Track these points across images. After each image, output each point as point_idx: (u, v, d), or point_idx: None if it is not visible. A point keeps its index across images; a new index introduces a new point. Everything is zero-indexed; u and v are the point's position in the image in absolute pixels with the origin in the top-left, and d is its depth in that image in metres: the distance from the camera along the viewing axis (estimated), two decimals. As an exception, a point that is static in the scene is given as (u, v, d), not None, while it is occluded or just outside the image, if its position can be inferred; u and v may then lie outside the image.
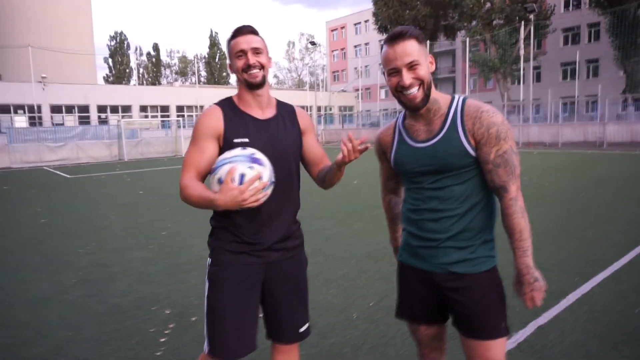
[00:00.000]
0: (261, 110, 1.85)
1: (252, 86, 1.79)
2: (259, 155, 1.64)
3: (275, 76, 79.06)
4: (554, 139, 21.74)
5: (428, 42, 33.14)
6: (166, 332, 3.22)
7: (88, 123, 32.67)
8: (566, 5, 38.85)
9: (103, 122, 33.50)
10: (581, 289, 3.72)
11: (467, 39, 30.90)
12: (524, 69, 28.17)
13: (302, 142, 1.93)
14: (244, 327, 1.80)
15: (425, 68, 1.57)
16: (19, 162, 19.66)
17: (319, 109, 38.85)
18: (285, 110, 1.92)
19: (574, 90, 29.57)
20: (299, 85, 70.77)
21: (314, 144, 1.98)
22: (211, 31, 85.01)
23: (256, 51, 1.78)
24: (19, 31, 37.30)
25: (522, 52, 26.08)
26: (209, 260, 1.85)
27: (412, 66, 1.54)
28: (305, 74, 70.79)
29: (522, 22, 26.54)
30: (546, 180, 10.09)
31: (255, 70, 1.76)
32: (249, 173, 1.57)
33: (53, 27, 40.33)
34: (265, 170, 1.62)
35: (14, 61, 35.91)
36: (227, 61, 1.87)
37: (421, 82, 1.56)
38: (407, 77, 1.54)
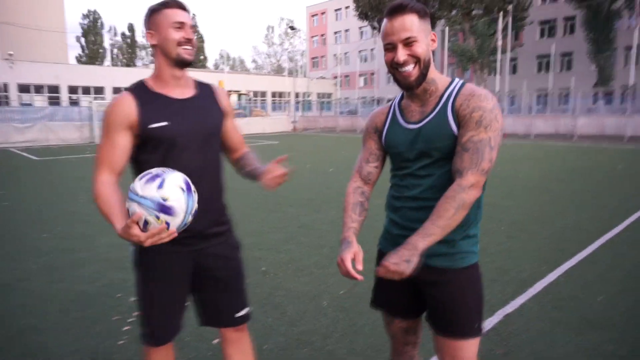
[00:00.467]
0: (180, 89, 1.73)
1: (183, 63, 1.67)
2: (171, 202, 1.40)
3: (254, 61, 78.07)
4: (527, 131, 22.15)
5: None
6: (130, 320, 3.13)
7: (58, 104, 31.59)
8: (543, -2, 39.41)
9: (74, 103, 32.44)
10: (548, 278, 3.79)
11: (447, 28, 31.03)
12: (500, 60, 28.51)
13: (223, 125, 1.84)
14: (173, 314, 1.80)
15: (424, 45, 1.47)
16: (-16, 143, 18.90)
17: (296, 95, 38.53)
18: (205, 90, 1.81)
19: (548, 83, 30.15)
20: (278, 70, 70.03)
21: (234, 128, 1.92)
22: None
23: (193, 30, 1.70)
24: (-16, 6, 35.62)
25: (499, 43, 26.34)
26: (131, 248, 1.76)
27: (408, 42, 1.45)
28: (284, 60, 70.10)
29: (501, 13, 26.77)
30: (518, 171, 10.27)
31: (190, 47, 1.67)
32: (152, 223, 1.39)
33: (22, 2, 38.59)
34: (175, 220, 1.41)
35: (-21, 37, 34.33)
36: (147, 32, 1.67)
37: (417, 59, 1.46)
38: (401, 54, 1.45)
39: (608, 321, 3.01)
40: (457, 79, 1.56)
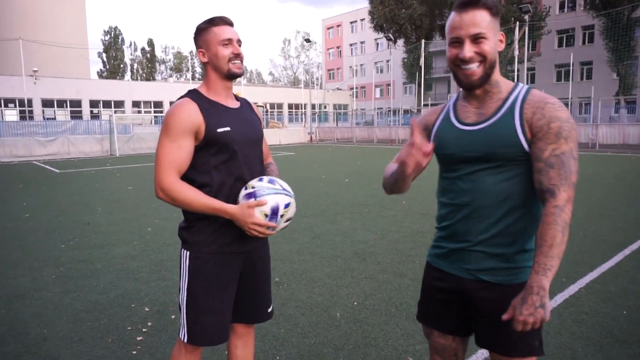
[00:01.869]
0: (231, 100, 1.87)
1: (234, 77, 1.80)
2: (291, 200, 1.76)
3: (271, 73, 78.92)
4: (547, 140, 21.80)
5: (424, 41, 33.46)
6: (144, 330, 3.13)
7: (80, 118, 32.36)
8: (561, 7, 38.98)
9: (95, 117, 33.20)
10: (568, 290, 3.67)
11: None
12: (518, 71, 28.20)
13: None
14: (225, 316, 1.85)
15: (492, 44, 1.39)
16: (8, 156, 19.42)
17: (313, 106, 38.73)
18: (244, 102, 1.96)
19: (568, 92, 29.68)
20: (295, 82, 70.61)
21: (264, 139, 2.04)
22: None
23: (240, 43, 1.80)
24: (11, 24, 36.85)
25: (516, 52, 26.09)
26: (186, 253, 1.81)
27: (477, 39, 1.37)
28: (300, 72, 70.69)
29: (517, 23, 26.55)
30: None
31: (239, 62, 1.78)
32: (281, 211, 1.71)
33: (46, 21, 39.89)
34: (294, 210, 1.77)
35: (5, 54, 35.49)
36: (199, 51, 1.81)
37: (483, 58, 1.38)
38: (468, 50, 1.37)
39: (632, 337, 2.89)
40: (521, 84, 1.47)
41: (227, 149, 1.76)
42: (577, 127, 1.36)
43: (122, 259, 4.81)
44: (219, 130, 1.73)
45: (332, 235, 5.64)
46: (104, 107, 35.07)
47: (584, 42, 37.83)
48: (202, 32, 1.77)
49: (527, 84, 31.03)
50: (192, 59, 61.80)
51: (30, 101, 31.26)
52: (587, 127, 21.44)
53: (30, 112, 31.06)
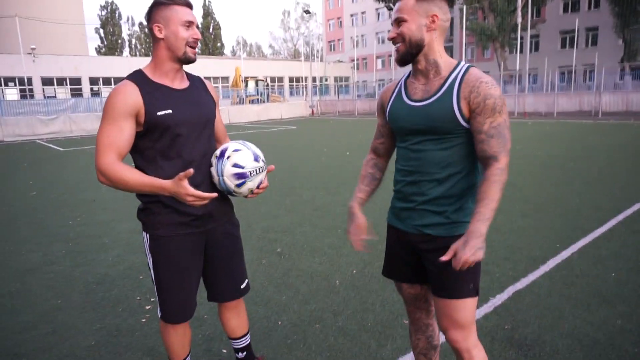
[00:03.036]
0: (178, 81, 1.82)
1: (188, 62, 1.77)
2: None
3: (271, 46, 77.85)
4: (550, 109, 21.66)
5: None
6: (152, 299, 3.28)
7: (80, 95, 32.26)
8: (567, -29, 38.00)
9: (95, 94, 33.08)
10: (561, 255, 3.79)
11: (465, 7, 30.30)
12: (522, 38, 27.75)
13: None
14: (191, 294, 1.92)
15: (414, 26, 1.56)
16: (12, 136, 19.50)
17: (314, 79, 38.39)
18: (196, 81, 1.91)
19: (572, 60, 29.24)
20: (295, 55, 69.70)
21: (220, 120, 2.02)
22: (204, 0, 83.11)
23: (199, 29, 1.78)
24: (6, 1, 36.29)
25: (519, 20, 25.60)
26: (145, 235, 1.86)
27: (398, 22, 1.59)
28: (300, 44, 69.65)
29: (521, -11, 25.97)
30: (539, 150, 10.11)
31: (195, 47, 1.77)
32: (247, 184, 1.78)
33: (41, -3, 39.29)
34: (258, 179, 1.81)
35: (2, 32, 35.09)
36: (154, 25, 1.72)
37: (403, 38, 1.58)
38: (391, 32, 1.62)
39: (618, 297, 3.02)
40: (462, 63, 1.63)
41: (170, 132, 1.73)
42: (506, 101, 1.57)
43: (128, 234, 4.95)
44: (159, 113, 1.70)
45: (333, 207, 5.76)
46: (104, 84, 34.89)
47: (589, 7, 37.01)
48: (163, 7, 1.70)
49: (531, 51, 30.59)
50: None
51: (30, 79, 31.13)
52: (590, 95, 21.24)
53: (31, 90, 30.97)
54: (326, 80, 44.95)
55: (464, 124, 1.56)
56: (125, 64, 37.57)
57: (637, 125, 15.42)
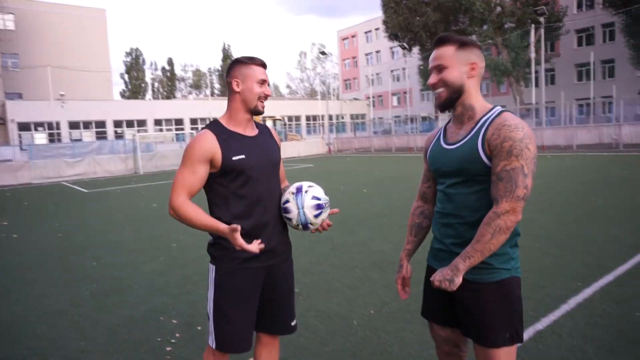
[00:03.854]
0: (249, 129, 2.05)
1: (257, 113, 2.01)
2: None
3: (288, 86, 79.78)
4: (569, 142, 21.46)
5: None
6: (173, 341, 3.34)
7: (105, 138, 33.42)
8: (579, 6, 38.49)
9: (119, 136, 34.23)
10: (582, 294, 3.73)
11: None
12: (536, 72, 27.91)
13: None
14: (248, 325, 2.03)
15: (456, 72, 1.65)
16: (39, 178, 20.21)
17: (330, 117, 39.01)
18: (264, 129, 2.14)
19: (589, 92, 29.17)
20: (311, 94, 71.21)
21: (282, 162, 2.20)
22: (224, 44, 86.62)
23: (269, 86, 2.03)
24: (39, 51, 38.38)
25: (533, 55, 25.86)
26: (212, 267, 2.02)
27: (440, 69, 1.67)
28: (317, 83, 71.25)
29: (533, 25, 26.35)
30: (559, 184, 10.01)
31: (264, 102, 2.01)
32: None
33: (71, 46, 41.42)
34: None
35: (34, 80, 36.98)
36: (233, 79, 1.97)
37: (445, 83, 1.66)
38: (432, 78, 1.70)
39: (644, 337, 2.95)
40: (497, 107, 1.69)
41: (243, 175, 1.94)
42: (534, 147, 1.57)
43: (150, 275, 5.06)
44: (234, 158, 1.92)
45: (350, 246, 5.79)
46: (127, 126, 36.15)
47: (604, 41, 37.21)
48: (243, 65, 1.97)
49: (546, 85, 30.60)
50: (210, 75, 63.06)
51: (58, 124, 32.48)
52: (609, 127, 21.03)
53: (59, 134, 32.25)
54: (342, 118, 45.62)
55: (488, 164, 1.60)
56: (148, 106, 38.98)
57: (660, 156, 15.15)
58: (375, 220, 7.33)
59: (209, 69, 59.81)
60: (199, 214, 1.88)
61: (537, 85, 28.07)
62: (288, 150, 28.99)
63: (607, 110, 30.03)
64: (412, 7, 35.46)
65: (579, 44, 38.60)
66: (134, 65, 68.03)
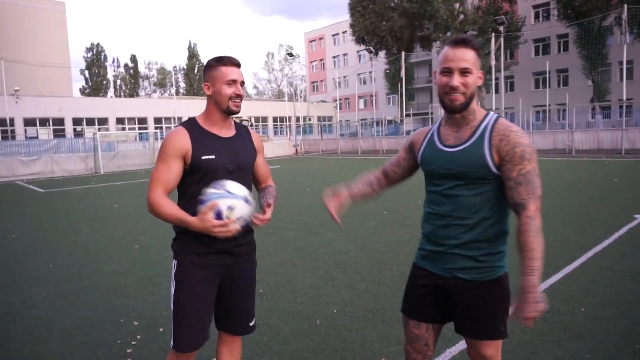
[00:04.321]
0: (225, 129, 2.06)
1: (231, 113, 2.02)
2: (249, 197, 1.91)
3: (255, 87, 79.22)
4: (526, 147, 22.30)
5: (404, 53, 34.11)
6: (133, 342, 3.29)
7: (63, 136, 32.16)
8: (536, 17, 40.17)
9: (78, 134, 33.03)
10: (534, 291, 3.92)
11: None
12: (496, 79, 28.91)
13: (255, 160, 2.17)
14: (205, 320, 2.04)
15: (474, 79, 1.68)
16: (-9, 177, 19.23)
17: (297, 119, 39.05)
18: (242, 130, 2.15)
19: (546, 99, 30.45)
20: (279, 95, 71.02)
21: (263, 163, 2.24)
22: (190, 42, 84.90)
23: (242, 84, 2.02)
24: (-9, 43, 36.68)
25: (493, 62, 26.79)
26: (174, 262, 2.03)
27: (464, 72, 1.66)
28: (284, 85, 71.15)
29: (494, 34, 27.31)
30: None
31: (238, 101, 2.00)
32: (224, 212, 1.81)
33: (27, 40, 39.73)
34: (243, 210, 1.86)
35: (-14, 74, 35.24)
36: (204, 83, 2.01)
37: (466, 88, 1.67)
38: (456, 80, 1.66)
39: (587, 332, 3.14)
40: (491, 113, 1.77)
41: (209, 175, 1.94)
42: (535, 150, 1.69)
43: (110, 276, 4.94)
44: (204, 157, 1.94)
45: (314, 247, 5.84)
46: (87, 124, 34.91)
47: (559, 51, 38.98)
48: (211, 68, 1.98)
49: (506, 91, 31.72)
50: (175, 74, 61.90)
51: (12, 120, 31.01)
52: (563, 133, 22.05)
53: (12, 131, 30.79)
54: (309, 120, 45.76)
55: (494, 170, 1.66)
56: (110, 104, 37.81)
57: (608, 162, 16.02)
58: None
59: (174, 67, 58.82)
60: (172, 209, 1.89)
61: (497, 91, 29.08)
62: (254, 151, 28.70)
63: (562, 117, 31.46)
64: (378, 12, 36.06)
65: (536, 53, 40.27)
66: (95, 61, 65.87)
